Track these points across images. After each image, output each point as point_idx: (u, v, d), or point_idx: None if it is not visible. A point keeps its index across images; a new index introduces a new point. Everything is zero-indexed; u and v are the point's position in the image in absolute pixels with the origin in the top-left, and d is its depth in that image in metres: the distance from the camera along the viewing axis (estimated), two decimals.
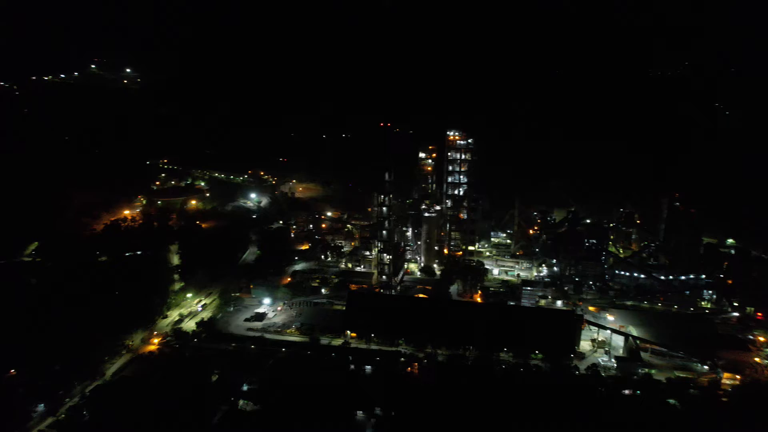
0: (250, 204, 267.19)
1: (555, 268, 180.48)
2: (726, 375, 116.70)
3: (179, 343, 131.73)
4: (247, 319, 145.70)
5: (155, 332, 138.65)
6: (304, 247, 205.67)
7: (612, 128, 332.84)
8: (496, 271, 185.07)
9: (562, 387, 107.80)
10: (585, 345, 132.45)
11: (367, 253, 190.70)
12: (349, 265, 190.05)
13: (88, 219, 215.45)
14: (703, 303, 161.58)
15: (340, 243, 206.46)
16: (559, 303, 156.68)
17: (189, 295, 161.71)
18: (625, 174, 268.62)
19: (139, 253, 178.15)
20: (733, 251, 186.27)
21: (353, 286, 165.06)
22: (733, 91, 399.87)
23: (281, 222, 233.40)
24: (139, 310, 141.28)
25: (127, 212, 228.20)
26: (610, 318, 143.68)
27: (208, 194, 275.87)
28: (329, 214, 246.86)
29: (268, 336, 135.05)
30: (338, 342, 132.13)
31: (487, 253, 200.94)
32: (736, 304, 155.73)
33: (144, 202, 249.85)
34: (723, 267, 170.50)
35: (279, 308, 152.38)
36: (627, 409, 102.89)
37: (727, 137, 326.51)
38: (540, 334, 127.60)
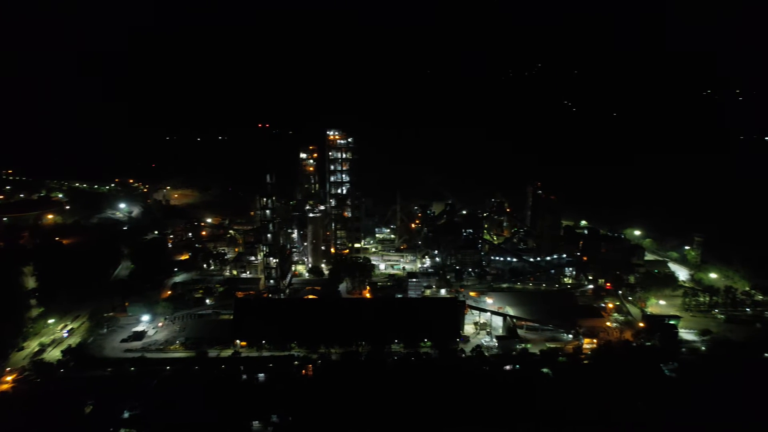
0: (119, 215, 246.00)
1: (437, 259, 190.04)
2: (586, 340, 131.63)
3: (40, 377, 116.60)
4: (124, 340, 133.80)
5: (8, 368, 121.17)
6: (184, 257, 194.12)
7: (480, 123, 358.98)
8: (382, 266, 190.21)
9: (450, 370, 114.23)
10: (469, 328, 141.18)
11: (253, 258, 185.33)
12: (234, 272, 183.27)
13: None
14: (565, 279, 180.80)
15: (223, 250, 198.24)
16: (443, 291, 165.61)
17: (51, 321, 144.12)
18: (493, 167, 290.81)
19: None
20: (586, 231, 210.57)
21: (240, 294, 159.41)
22: (579, 90, 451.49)
23: (156, 232, 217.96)
24: None
25: None
26: (489, 301, 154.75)
27: (68, 207, 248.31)
28: (209, 220, 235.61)
29: (149, 355, 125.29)
30: (228, 353, 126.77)
31: (373, 249, 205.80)
32: (591, 277, 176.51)
33: None
34: (579, 246, 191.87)
35: (160, 324, 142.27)
36: (509, 383, 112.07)
37: (577, 131, 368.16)
38: (427, 323, 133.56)
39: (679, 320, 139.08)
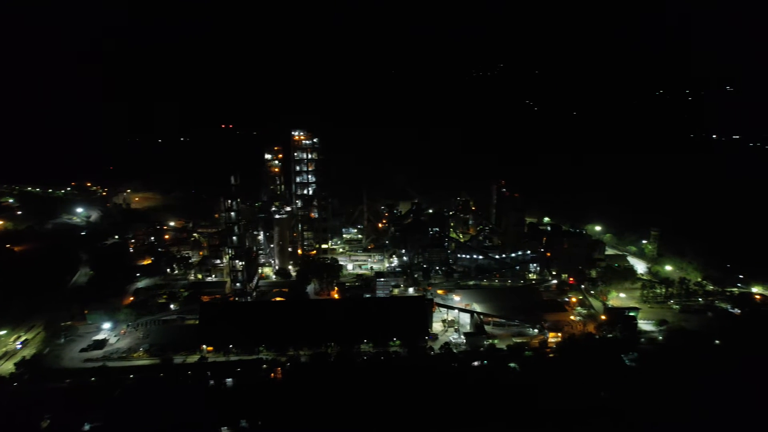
0: (76, 219, 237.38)
1: (404, 258, 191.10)
2: (551, 334, 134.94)
3: None
4: (83, 349, 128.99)
5: None
6: (147, 261, 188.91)
7: (444, 123, 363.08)
8: (350, 267, 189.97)
9: (420, 368, 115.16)
10: (437, 326, 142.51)
11: (218, 261, 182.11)
12: (199, 276, 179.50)
13: None
14: (530, 275, 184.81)
15: (187, 254, 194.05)
16: (410, 290, 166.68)
17: (3, 332, 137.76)
18: (458, 166, 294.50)
19: None
20: (549, 228, 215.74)
21: (205, 298, 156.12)
22: (540, 90, 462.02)
23: (117, 237, 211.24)
24: None
25: None
26: (457, 298, 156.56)
27: (19, 212, 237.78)
28: (172, 223, 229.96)
29: (111, 364, 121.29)
30: (194, 358, 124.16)
31: (341, 250, 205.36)
32: (554, 272, 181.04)
33: None
34: (543, 242, 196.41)
35: (122, 332, 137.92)
36: (478, 379, 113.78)
37: (539, 131, 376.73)
38: (396, 322, 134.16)
39: (638, 312, 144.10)
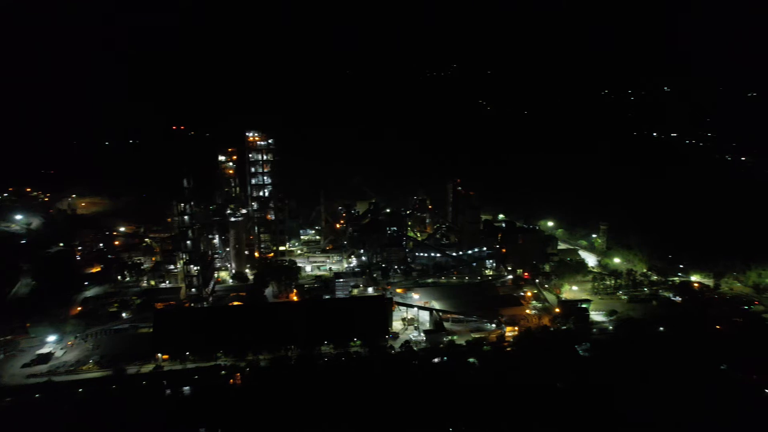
0: (15, 227, 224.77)
1: (363, 258, 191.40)
2: (508, 328, 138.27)
3: None
4: (26, 365, 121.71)
5: None
6: (95, 269, 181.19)
7: (398, 123, 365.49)
8: (308, 268, 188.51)
9: (381, 367, 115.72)
10: (397, 324, 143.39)
11: (172, 267, 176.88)
12: (153, 283, 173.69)
13: None
14: (486, 271, 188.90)
15: (139, 260, 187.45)
16: (370, 290, 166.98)
17: None
18: (415, 165, 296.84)
19: None
20: (504, 224, 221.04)
21: (160, 305, 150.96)
22: (492, 89, 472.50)
23: (62, 244, 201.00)
24: None
25: None
26: (416, 296, 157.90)
27: None
28: (122, 229, 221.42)
29: (57, 379, 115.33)
30: (149, 368, 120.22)
31: (299, 252, 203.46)
32: (510, 268, 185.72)
33: None
34: (498, 238, 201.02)
35: (69, 344, 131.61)
36: (438, 375, 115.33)
37: (493, 129, 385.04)
38: (356, 322, 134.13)
39: (590, 303, 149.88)
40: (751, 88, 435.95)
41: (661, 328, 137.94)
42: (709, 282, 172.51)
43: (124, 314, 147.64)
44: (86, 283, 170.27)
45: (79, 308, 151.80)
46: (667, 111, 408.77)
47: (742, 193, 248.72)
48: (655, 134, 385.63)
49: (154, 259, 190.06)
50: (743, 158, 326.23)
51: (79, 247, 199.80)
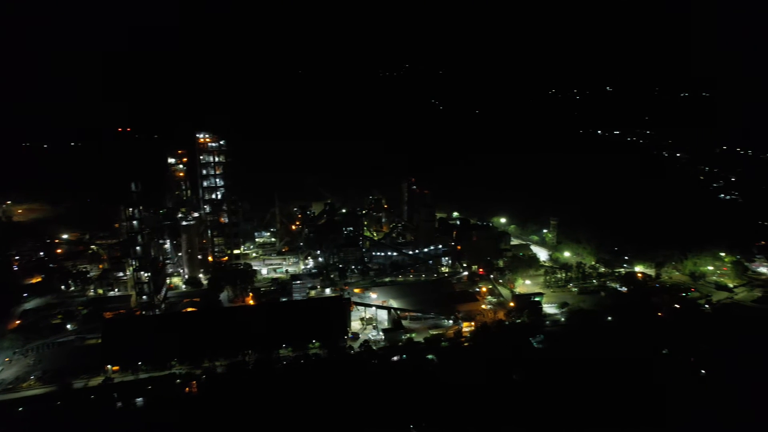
0: None
1: (320, 259, 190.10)
2: (465, 324, 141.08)
3: None
4: None
5: None
6: (36, 279, 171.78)
7: (353, 124, 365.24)
8: (264, 271, 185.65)
9: (341, 368, 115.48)
10: (356, 324, 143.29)
11: (121, 274, 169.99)
12: (100, 292, 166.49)
13: None
14: (442, 268, 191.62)
15: (85, 268, 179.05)
16: (327, 291, 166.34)
17: None
18: (369, 165, 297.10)
19: None
20: (458, 222, 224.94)
21: (108, 314, 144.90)
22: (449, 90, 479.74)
23: None
24: None
25: None
26: (374, 296, 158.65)
27: None
28: (65, 236, 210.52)
29: None
30: (98, 381, 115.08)
31: (254, 254, 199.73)
32: (465, 264, 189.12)
33: None
34: (453, 236, 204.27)
35: (7, 360, 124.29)
36: (397, 373, 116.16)
37: (445, 129, 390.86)
38: (315, 324, 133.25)
39: (542, 297, 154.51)
40: (684, 89, 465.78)
41: (609, 318, 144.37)
42: (651, 272, 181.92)
43: (68, 326, 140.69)
44: (25, 294, 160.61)
45: (18, 321, 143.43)
46: (610, 110, 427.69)
47: (678, 188, 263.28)
48: (599, 132, 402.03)
49: (101, 266, 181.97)
50: (678, 154, 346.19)
51: (17, 257, 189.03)
